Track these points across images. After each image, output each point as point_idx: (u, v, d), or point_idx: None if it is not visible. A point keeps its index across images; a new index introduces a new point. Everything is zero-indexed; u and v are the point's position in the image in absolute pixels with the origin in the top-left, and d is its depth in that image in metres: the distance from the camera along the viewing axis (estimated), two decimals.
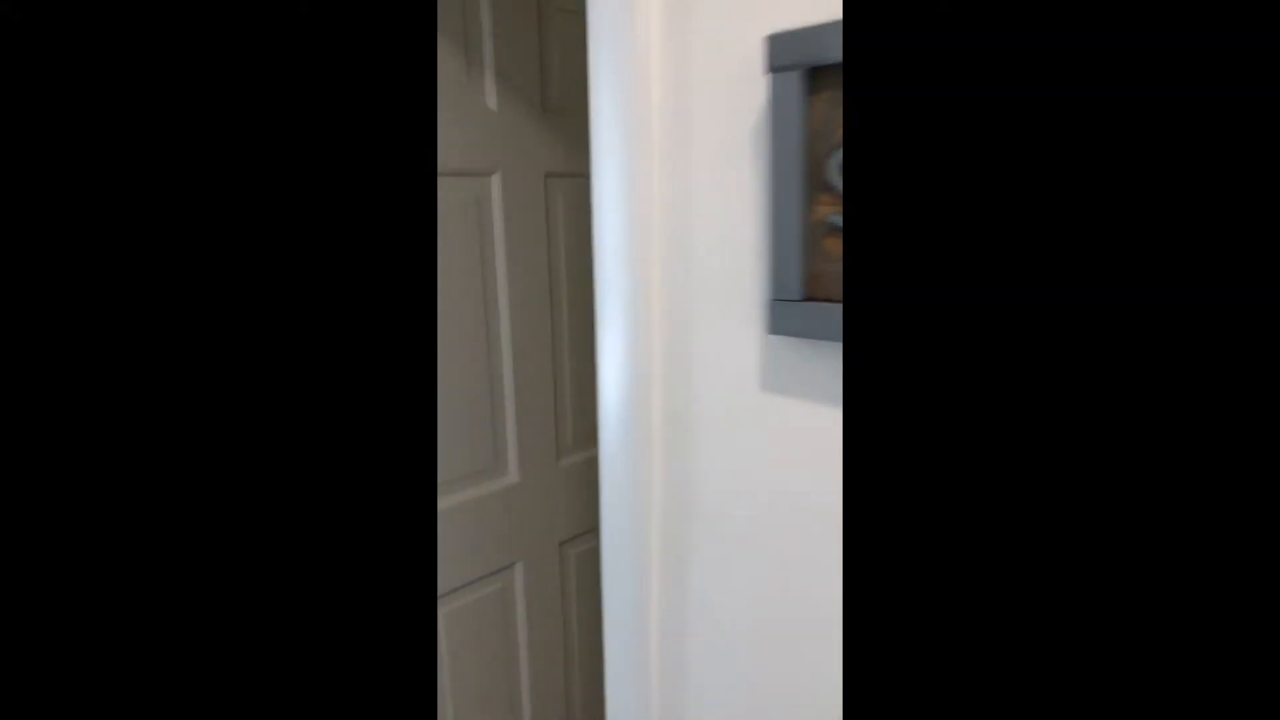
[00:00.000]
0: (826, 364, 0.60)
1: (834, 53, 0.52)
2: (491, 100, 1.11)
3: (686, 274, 0.67)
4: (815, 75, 0.54)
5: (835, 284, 0.56)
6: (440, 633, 1.19)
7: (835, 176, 0.55)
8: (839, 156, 0.54)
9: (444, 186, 1.07)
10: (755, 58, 0.59)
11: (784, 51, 0.54)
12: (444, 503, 1.16)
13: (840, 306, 0.53)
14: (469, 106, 1.08)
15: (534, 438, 1.27)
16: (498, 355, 1.19)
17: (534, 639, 1.35)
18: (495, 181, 1.14)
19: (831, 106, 0.55)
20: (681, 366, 0.69)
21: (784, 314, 0.57)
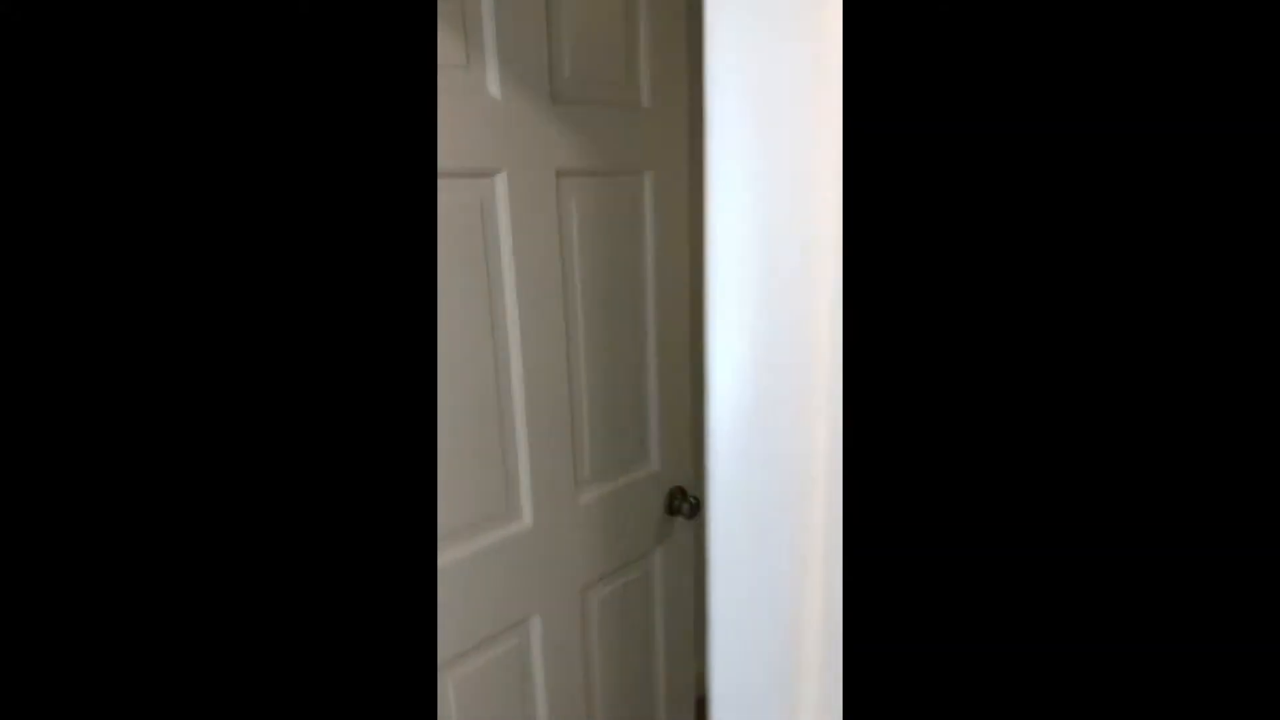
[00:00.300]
0: None
1: None
2: (494, 88, 0.96)
3: None
4: None
5: None
6: (448, 705, 1.03)
7: None
8: None
9: (442, 189, 0.92)
10: None
11: None
12: (447, 556, 1.00)
13: None
14: (469, 96, 0.92)
15: (549, 473, 1.11)
16: (506, 380, 1.04)
17: (555, 701, 1.19)
18: (500, 182, 0.98)
19: None
20: None
21: None
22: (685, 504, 1.36)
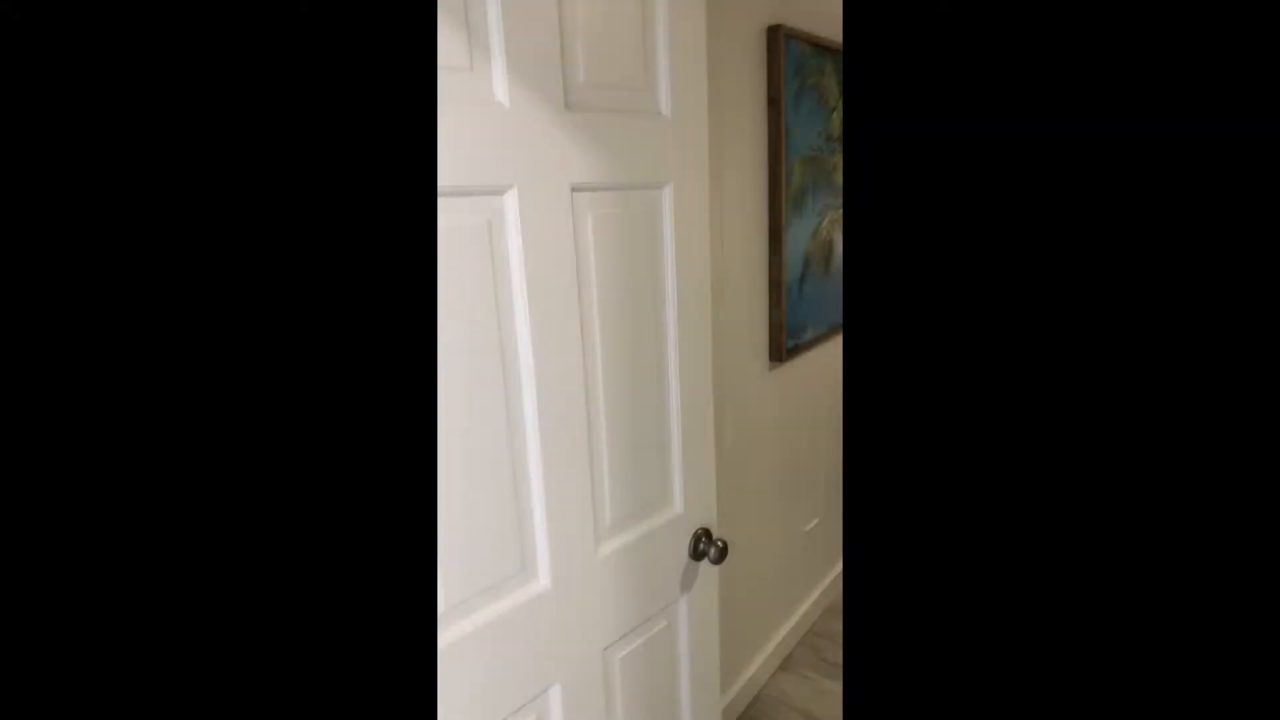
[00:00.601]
0: None
1: None
2: (502, 92, 0.84)
3: None
4: None
5: None
6: None
7: None
8: None
9: (445, 209, 0.80)
10: None
11: None
12: (456, 631, 0.87)
13: None
14: (474, 103, 0.81)
15: (567, 526, 0.99)
16: (519, 423, 0.92)
17: None
18: (510, 199, 0.87)
19: None
20: None
21: None
22: (712, 548, 1.24)
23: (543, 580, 0.97)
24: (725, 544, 1.24)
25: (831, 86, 2.22)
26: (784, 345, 2.11)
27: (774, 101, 1.93)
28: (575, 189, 0.95)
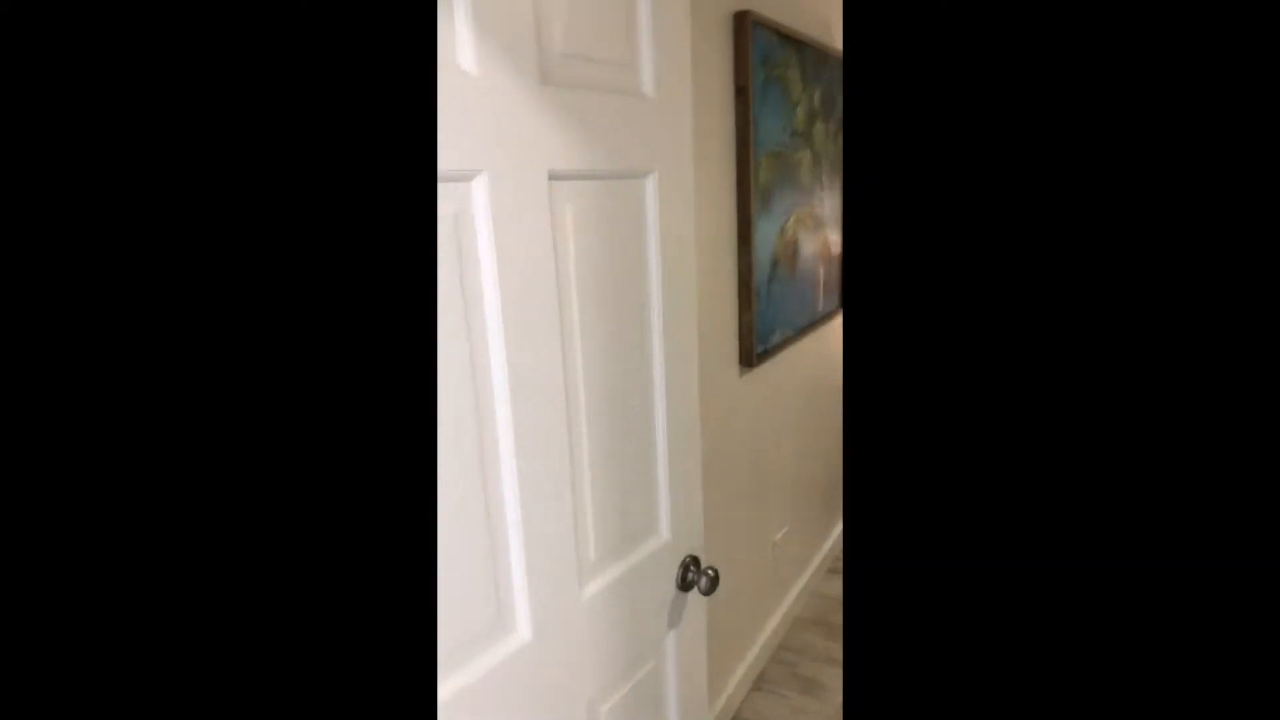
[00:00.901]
0: None
1: None
2: (467, 59, 0.70)
3: None
4: None
5: None
6: None
7: None
8: None
9: None
10: None
11: None
12: None
13: None
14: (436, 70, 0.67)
15: (548, 566, 0.85)
16: (492, 448, 0.78)
17: None
18: (480, 187, 0.73)
19: None
20: None
21: None
22: (702, 577, 1.12)
23: (522, 632, 0.83)
24: (716, 572, 1.12)
25: (795, 79, 2.14)
26: (754, 349, 2.01)
27: (742, 91, 1.83)
28: (553, 177, 0.81)
